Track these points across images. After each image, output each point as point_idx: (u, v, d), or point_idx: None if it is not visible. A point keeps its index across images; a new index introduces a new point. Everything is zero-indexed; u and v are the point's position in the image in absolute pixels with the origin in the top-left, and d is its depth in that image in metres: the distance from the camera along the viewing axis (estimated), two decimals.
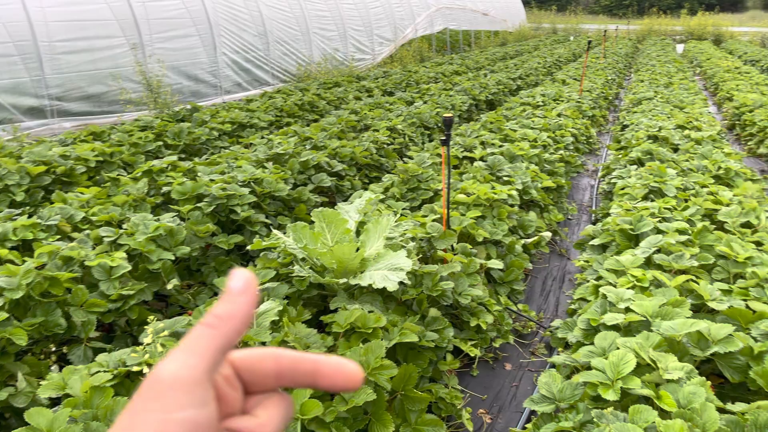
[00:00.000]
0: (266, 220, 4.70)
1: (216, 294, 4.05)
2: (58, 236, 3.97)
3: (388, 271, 3.08)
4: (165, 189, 4.68)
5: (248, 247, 3.65)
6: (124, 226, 4.00)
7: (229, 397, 0.47)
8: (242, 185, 4.83)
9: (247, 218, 4.52)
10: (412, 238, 3.76)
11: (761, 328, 2.78)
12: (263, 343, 2.71)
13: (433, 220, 3.97)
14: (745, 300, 3.13)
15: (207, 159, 5.82)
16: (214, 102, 11.33)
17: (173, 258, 3.79)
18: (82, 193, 4.66)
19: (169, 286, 3.67)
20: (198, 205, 4.41)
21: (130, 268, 3.45)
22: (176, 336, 2.62)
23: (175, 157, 5.38)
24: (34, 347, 3.08)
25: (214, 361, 0.44)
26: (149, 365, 2.20)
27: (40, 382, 2.45)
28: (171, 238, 3.93)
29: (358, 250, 3.28)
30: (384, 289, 2.98)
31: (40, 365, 2.94)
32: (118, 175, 5.28)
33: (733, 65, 16.71)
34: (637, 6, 53.54)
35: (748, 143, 8.96)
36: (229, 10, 12.34)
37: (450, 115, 3.52)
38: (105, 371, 2.35)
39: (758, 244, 3.96)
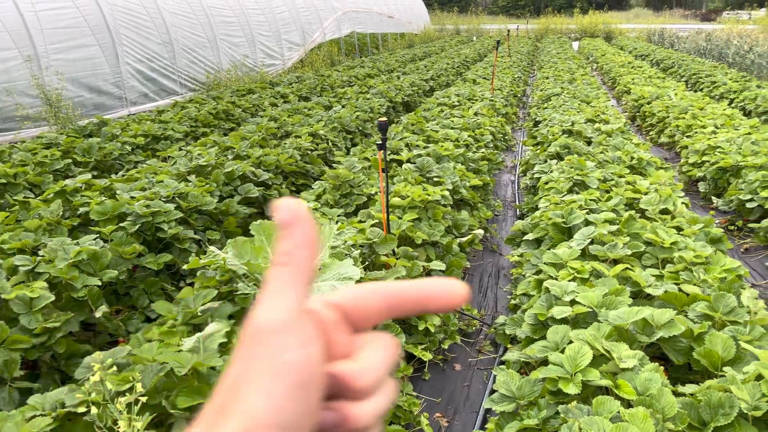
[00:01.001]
0: (195, 236, 4.49)
1: (148, 318, 3.83)
2: None
3: (336, 281, 3.00)
4: (82, 210, 4.37)
5: (184, 267, 3.46)
6: (41, 252, 3.69)
7: (337, 342, 0.46)
8: (166, 201, 4.60)
9: (175, 235, 4.30)
10: (353, 245, 3.70)
11: (697, 310, 2.93)
12: (213, 368, 2.56)
13: (372, 225, 3.93)
14: (677, 284, 3.29)
15: (124, 175, 5.50)
16: (120, 114, 10.77)
17: (100, 283, 3.54)
18: None
19: (98, 314, 3.43)
20: (121, 224, 4.15)
21: (53, 298, 3.19)
22: (119, 368, 2.43)
23: (88, 175, 5.05)
24: None
25: (301, 296, 0.44)
26: (96, 404, 2.02)
27: None
28: (95, 262, 3.67)
29: None
30: None
31: None
32: (25, 197, 4.89)
33: (627, 60, 17.75)
34: (533, 6, 55.89)
35: (650, 133, 9.52)
36: (130, 18, 11.77)
37: (385, 119, 3.49)
38: (42, 415, 2.14)
39: (678, 229, 4.19)
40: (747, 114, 9.92)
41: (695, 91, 12.28)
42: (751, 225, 5.33)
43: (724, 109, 8.87)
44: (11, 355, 2.87)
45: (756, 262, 4.93)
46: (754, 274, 4.70)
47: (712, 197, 6.17)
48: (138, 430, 1.92)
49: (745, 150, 6.32)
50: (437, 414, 3.16)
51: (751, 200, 5.44)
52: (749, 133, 7.22)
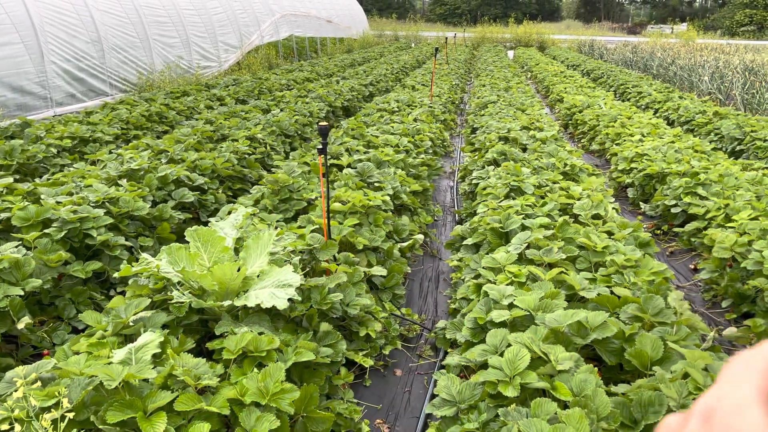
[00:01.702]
0: (127, 243, 4.32)
1: (75, 330, 3.65)
2: None
3: (276, 289, 2.95)
4: (3, 216, 4.13)
5: (115, 275, 3.32)
6: None
7: None
8: (96, 206, 4.41)
9: (104, 242, 4.12)
10: (293, 251, 3.64)
11: (628, 311, 3.03)
12: (146, 380, 2.46)
13: (312, 231, 3.88)
14: (608, 287, 3.40)
15: (49, 179, 5.24)
16: (44, 115, 10.29)
17: (22, 293, 3.35)
18: None
19: (20, 326, 3.24)
20: (46, 231, 3.94)
21: None
22: (44, 382, 2.30)
23: (10, 179, 4.78)
24: None
25: None
26: (20, 421, 1.90)
27: None
28: (17, 270, 3.47)
29: (239, 269, 3.11)
30: (272, 307, 2.85)
31: None
32: None
33: (559, 70, 18.33)
34: (469, 15, 56.98)
35: (581, 140, 9.85)
36: (56, 15, 11.27)
37: (325, 123, 3.46)
38: None
39: (609, 233, 4.34)
40: (671, 123, 10.42)
41: (623, 101, 12.80)
42: (675, 229, 5.57)
43: (650, 119, 9.28)
44: None
45: (680, 264, 5.16)
46: (678, 276, 4.92)
47: (640, 202, 6.43)
48: None
49: (669, 158, 6.62)
50: (378, 420, 3.14)
51: (675, 206, 5.70)
52: (673, 142, 7.58)
